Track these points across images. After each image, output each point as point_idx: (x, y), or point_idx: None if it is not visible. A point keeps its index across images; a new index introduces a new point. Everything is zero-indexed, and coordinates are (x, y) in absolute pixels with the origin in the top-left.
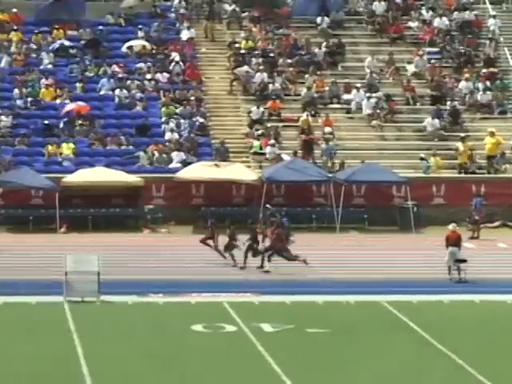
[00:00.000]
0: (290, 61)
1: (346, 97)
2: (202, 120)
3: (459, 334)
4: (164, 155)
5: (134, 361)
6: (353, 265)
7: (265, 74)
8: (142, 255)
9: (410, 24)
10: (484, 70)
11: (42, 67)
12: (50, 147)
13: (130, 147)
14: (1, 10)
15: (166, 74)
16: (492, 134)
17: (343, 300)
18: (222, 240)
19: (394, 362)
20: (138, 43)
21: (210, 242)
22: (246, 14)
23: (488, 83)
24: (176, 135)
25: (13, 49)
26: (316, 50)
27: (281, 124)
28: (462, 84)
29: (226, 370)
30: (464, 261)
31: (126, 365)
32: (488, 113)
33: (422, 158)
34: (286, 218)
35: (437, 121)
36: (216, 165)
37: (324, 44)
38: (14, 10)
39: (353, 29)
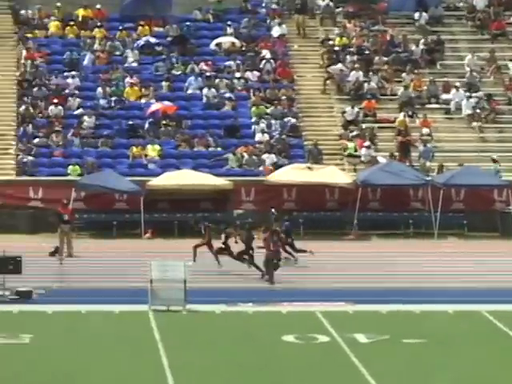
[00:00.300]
0: (386, 58)
1: (444, 96)
2: (293, 120)
3: None
4: (254, 157)
5: (221, 372)
6: (451, 272)
7: (360, 73)
8: (231, 262)
9: None
10: None
11: (126, 65)
12: (134, 149)
13: (219, 149)
14: (84, 6)
15: (256, 73)
16: None
17: (441, 309)
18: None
19: (493, 373)
20: (227, 40)
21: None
22: (341, 9)
23: None
24: (266, 136)
25: (96, 46)
26: (413, 48)
27: (376, 125)
28: None
29: (319, 381)
30: None
31: (213, 376)
32: None
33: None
34: (288, 222)
35: None
36: (308, 167)
37: (422, 41)
38: (98, 5)
39: (452, 25)
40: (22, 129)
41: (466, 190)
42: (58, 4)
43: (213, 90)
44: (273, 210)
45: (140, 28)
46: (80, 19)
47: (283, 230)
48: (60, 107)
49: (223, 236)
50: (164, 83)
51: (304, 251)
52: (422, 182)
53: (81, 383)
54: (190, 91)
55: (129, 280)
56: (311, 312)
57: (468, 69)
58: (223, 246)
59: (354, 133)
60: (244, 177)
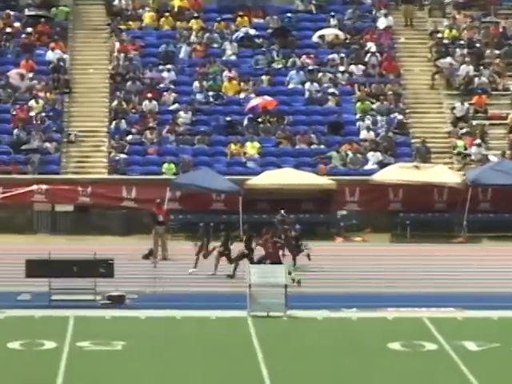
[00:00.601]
0: (498, 52)
1: None
2: (400, 117)
3: None
4: (359, 155)
5: (323, 382)
6: None
7: (470, 67)
8: (333, 266)
9: None
10: None
11: (224, 58)
12: (232, 146)
13: (322, 147)
14: None
15: (361, 66)
16: None
17: None
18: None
19: None
20: (330, 32)
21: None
22: None
23: None
24: (372, 134)
25: (193, 38)
26: None
27: (487, 122)
28: None
29: None
30: None
31: None
32: None
33: None
34: (297, 224)
35: None
36: (416, 166)
37: None
38: None
39: None
40: (114, 125)
41: None
42: None
43: (315, 84)
44: (282, 212)
45: (239, 19)
46: (176, 10)
47: (295, 234)
48: (154, 102)
49: (223, 239)
50: (264, 77)
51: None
52: None
53: None
54: (291, 86)
55: (226, 284)
56: (418, 318)
57: None
58: (225, 250)
59: (464, 130)
60: (348, 176)
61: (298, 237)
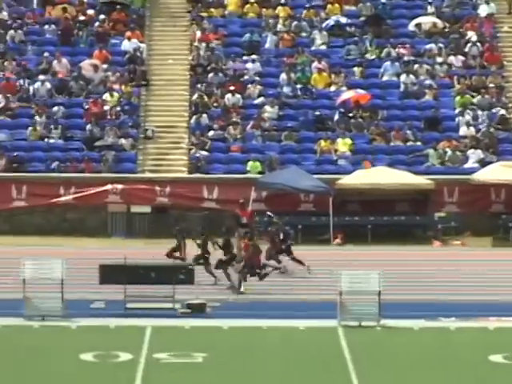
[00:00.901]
0: None
1: None
2: (503, 112)
3: None
4: (458, 153)
5: None
6: None
7: None
8: (432, 272)
9: None
10: None
11: (313, 48)
12: (322, 143)
13: (418, 143)
14: None
15: (460, 57)
16: None
17: None
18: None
19: None
20: (427, 20)
21: (177, 254)
22: None
23: None
24: (472, 130)
25: (279, 27)
26: None
27: None
28: None
29: None
30: None
31: None
32: None
33: None
34: (288, 227)
35: None
36: None
37: None
38: None
39: None
40: (194, 120)
41: None
42: None
43: (411, 76)
44: (269, 213)
45: (329, 6)
46: None
47: (282, 235)
48: (238, 96)
49: (201, 242)
50: (356, 69)
51: (302, 264)
52: None
53: None
54: (385, 78)
55: (315, 292)
56: None
57: None
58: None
59: None
60: (447, 175)
61: (285, 239)
